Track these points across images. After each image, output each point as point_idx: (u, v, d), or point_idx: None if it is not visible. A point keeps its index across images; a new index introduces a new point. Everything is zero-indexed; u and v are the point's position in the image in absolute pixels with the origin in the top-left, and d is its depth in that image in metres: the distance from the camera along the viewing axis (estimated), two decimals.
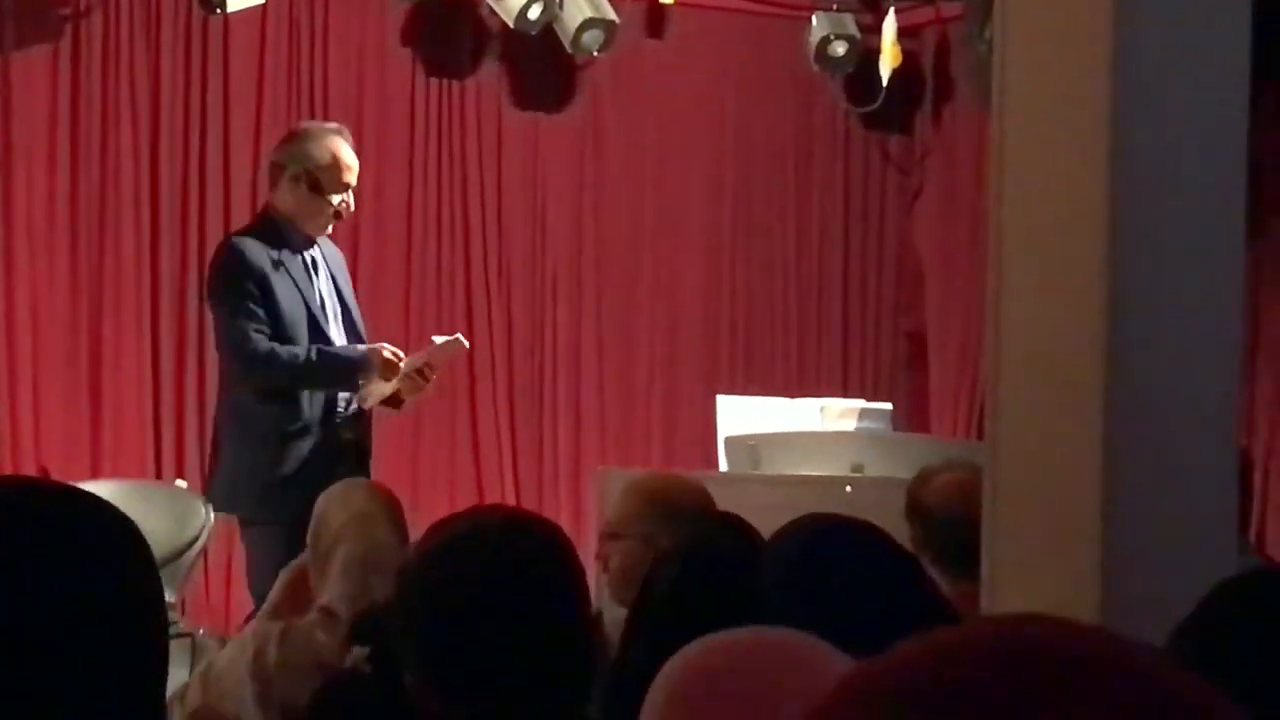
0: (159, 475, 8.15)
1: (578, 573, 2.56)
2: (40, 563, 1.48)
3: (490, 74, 9.16)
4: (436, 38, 9.03)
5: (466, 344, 6.31)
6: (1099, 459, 3.03)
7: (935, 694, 0.89)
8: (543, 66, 9.18)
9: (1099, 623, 2.91)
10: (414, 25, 8.99)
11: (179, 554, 6.46)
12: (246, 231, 5.97)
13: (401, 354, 5.87)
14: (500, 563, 2.48)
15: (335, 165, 5.82)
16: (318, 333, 5.80)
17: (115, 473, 7.82)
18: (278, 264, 5.76)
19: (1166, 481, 3.07)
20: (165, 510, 6.34)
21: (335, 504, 4.16)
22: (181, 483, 7.66)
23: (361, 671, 3.11)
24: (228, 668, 3.88)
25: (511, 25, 8.82)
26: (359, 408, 5.88)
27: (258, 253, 5.74)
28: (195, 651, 6.47)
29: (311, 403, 5.77)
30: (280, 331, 5.71)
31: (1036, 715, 0.87)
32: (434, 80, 9.07)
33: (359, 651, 3.21)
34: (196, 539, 6.59)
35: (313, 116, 8.48)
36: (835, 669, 1.61)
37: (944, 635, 0.93)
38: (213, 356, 8.17)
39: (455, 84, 9.10)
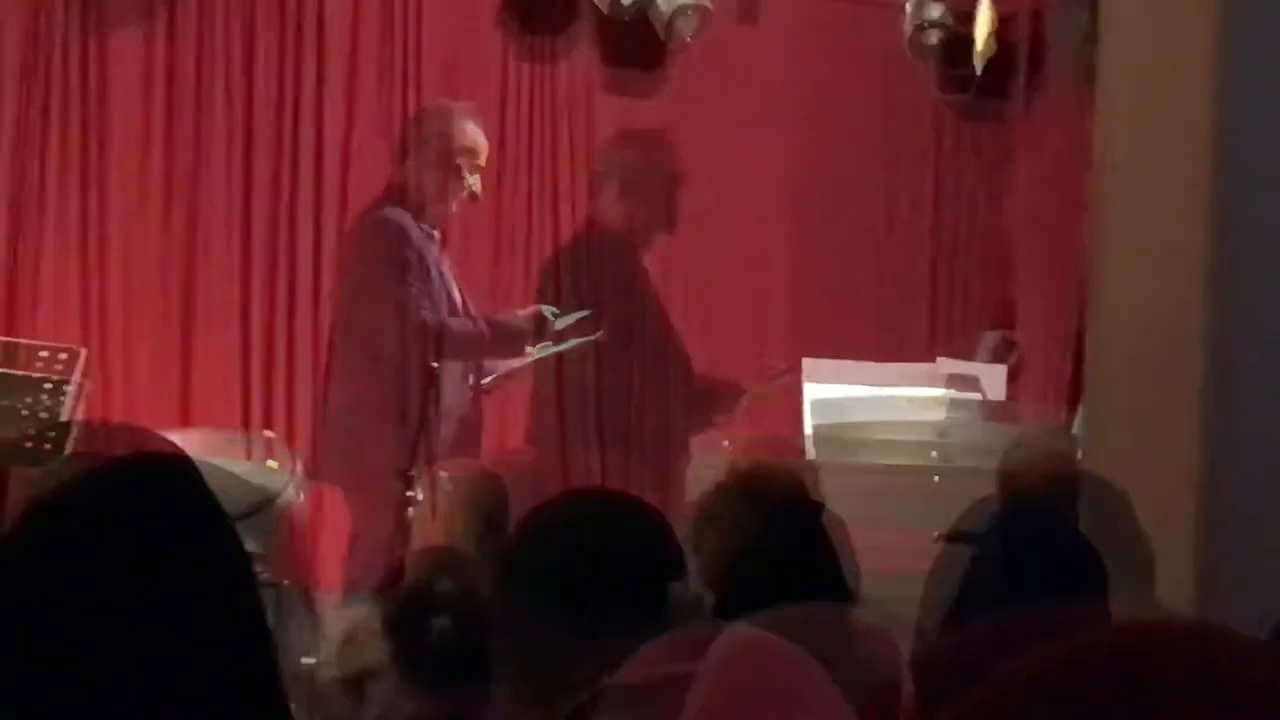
0: (247, 426, 8.17)
1: (679, 558, 2.55)
2: (132, 529, 1.47)
3: (582, 57, 9.16)
4: (530, 20, 9.04)
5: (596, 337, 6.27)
6: (1197, 450, 3.00)
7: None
8: (635, 51, 9.18)
9: (1195, 605, 2.89)
10: (508, 7, 9.00)
11: (266, 504, 6.45)
12: (385, 204, 5.71)
13: (557, 311, 5.74)
14: (603, 548, 2.46)
15: (475, 147, 5.74)
16: (453, 310, 5.67)
17: (204, 422, 7.86)
18: (429, 237, 5.64)
19: (1266, 472, 3.04)
20: (253, 460, 6.34)
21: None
22: (270, 433, 7.70)
23: (449, 640, 3.12)
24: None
25: (605, 10, 8.82)
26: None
27: (411, 225, 5.59)
28: (281, 602, 6.45)
29: (448, 382, 5.63)
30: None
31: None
32: (525, 64, 9.08)
33: (442, 621, 3.21)
34: (284, 490, 6.59)
35: (405, 98, 8.51)
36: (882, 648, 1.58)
37: (1062, 646, 0.93)
38: (302, 319, 8.24)
39: (547, 67, 9.10)
